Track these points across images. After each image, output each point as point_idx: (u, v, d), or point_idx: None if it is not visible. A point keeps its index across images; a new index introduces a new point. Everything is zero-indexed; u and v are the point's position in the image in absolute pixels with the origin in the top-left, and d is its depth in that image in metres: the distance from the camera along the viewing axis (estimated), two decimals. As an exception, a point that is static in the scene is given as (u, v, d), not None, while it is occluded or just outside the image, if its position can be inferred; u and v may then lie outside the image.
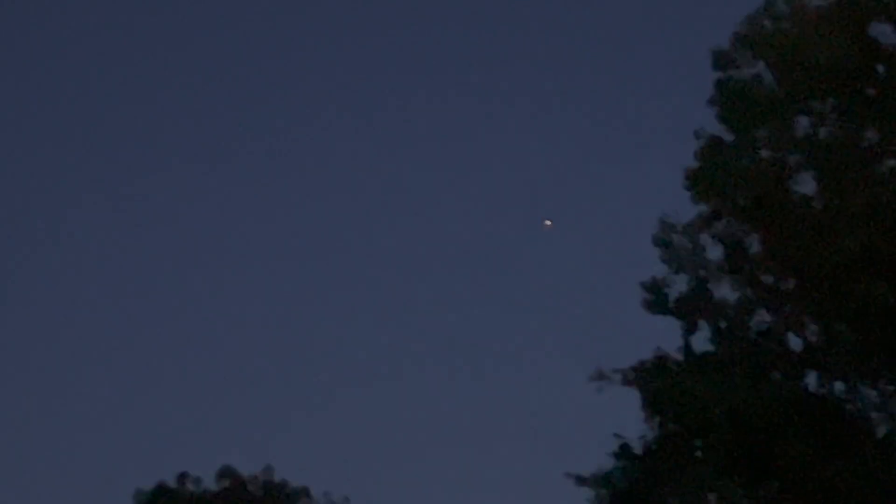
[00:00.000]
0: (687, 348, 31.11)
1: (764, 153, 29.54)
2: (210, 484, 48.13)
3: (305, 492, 48.30)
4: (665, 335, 31.31)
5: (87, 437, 66.55)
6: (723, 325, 30.29)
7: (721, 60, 29.84)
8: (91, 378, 71.96)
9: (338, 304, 77.96)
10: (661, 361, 31.37)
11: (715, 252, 30.38)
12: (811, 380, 29.07)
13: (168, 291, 78.58)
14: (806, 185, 29.24)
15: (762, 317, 29.79)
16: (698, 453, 30.76)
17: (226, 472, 48.73)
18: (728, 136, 29.83)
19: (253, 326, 75.38)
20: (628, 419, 31.88)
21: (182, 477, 47.90)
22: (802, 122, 29.31)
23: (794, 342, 29.34)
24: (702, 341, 30.67)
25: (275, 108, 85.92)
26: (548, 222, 68.51)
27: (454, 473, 63.12)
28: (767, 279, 29.65)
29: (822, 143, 28.77)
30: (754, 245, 29.84)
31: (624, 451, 32.02)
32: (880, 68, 28.66)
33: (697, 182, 29.79)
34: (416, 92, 78.95)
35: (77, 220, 78.01)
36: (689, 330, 30.81)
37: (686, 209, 30.52)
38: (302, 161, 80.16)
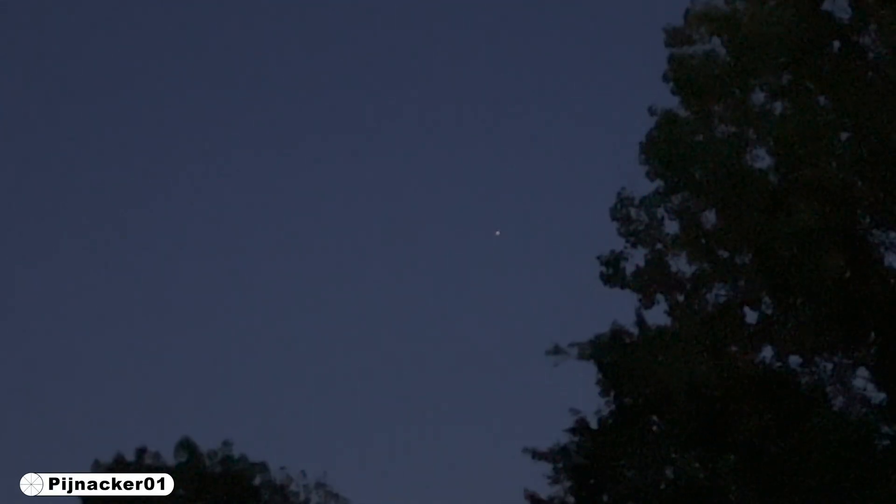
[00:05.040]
0: (643, 322, 31.22)
1: (719, 128, 29.53)
2: (168, 459, 47.86)
3: (263, 467, 48.13)
4: (622, 309, 31.44)
5: (45, 408, 66.35)
6: (679, 298, 30.29)
7: (674, 38, 29.78)
8: (50, 349, 71.78)
9: (303, 288, 78.22)
10: (617, 335, 31.48)
11: (672, 226, 30.43)
12: (767, 353, 29.19)
13: (129, 269, 78.38)
14: (761, 159, 29.29)
15: (718, 290, 29.80)
16: (655, 427, 30.94)
17: (184, 445, 48.43)
18: (682, 112, 29.79)
19: (213, 305, 75.35)
20: (585, 394, 32.05)
21: (141, 452, 47.63)
22: (757, 97, 29.36)
23: (751, 316, 29.39)
24: (658, 315, 30.78)
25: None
26: (497, 232, 69.80)
27: (413, 450, 63.38)
28: (724, 253, 29.65)
29: (778, 118, 28.76)
30: (711, 219, 29.85)
31: (580, 426, 32.18)
32: (835, 43, 28.69)
33: (653, 157, 29.78)
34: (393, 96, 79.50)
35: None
36: (646, 304, 30.86)
37: (644, 183, 30.59)
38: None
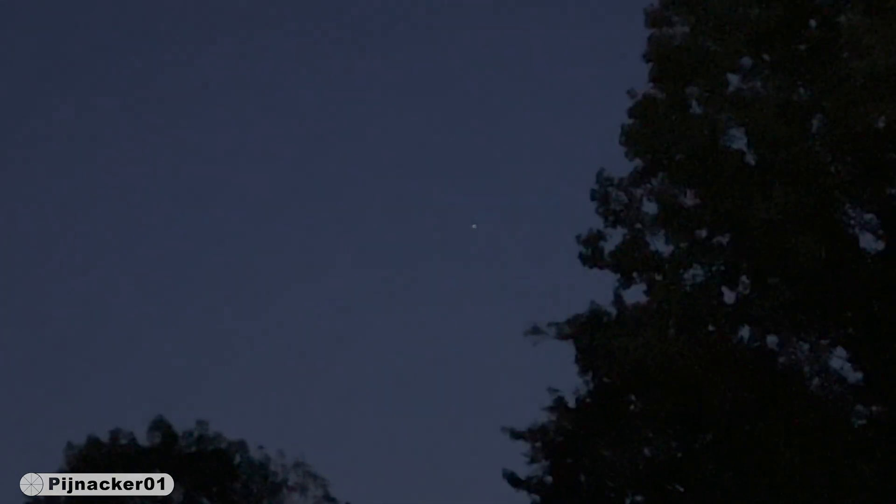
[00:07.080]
0: (621, 302, 31.29)
1: (696, 109, 29.61)
2: (142, 440, 47.68)
3: (241, 445, 48.02)
4: (600, 289, 31.52)
5: (16, 390, 66.12)
6: (658, 278, 30.37)
7: (654, 19, 29.84)
8: (21, 328, 71.51)
9: (281, 274, 78.29)
10: (595, 315, 31.55)
11: (651, 206, 30.50)
12: (745, 333, 29.24)
13: (98, 243, 78.16)
14: (738, 140, 29.36)
15: (696, 270, 29.87)
16: (632, 406, 31.06)
17: (158, 425, 48.26)
18: (661, 94, 29.86)
19: (184, 278, 75.20)
20: (563, 373, 32.16)
21: (115, 433, 47.44)
22: (734, 79, 29.43)
23: (728, 296, 29.47)
24: (637, 294, 30.87)
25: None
26: (474, 226, 70.29)
27: (391, 429, 63.56)
28: (702, 233, 29.75)
29: (753, 100, 28.82)
30: (689, 199, 29.92)
31: (558, 405, 32.29)
32: (812, 24, 28.77)
33: (632, 138, 29.85)
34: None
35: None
36: (625, 283, 30.94)
37: (623, 164, 30.67)
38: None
